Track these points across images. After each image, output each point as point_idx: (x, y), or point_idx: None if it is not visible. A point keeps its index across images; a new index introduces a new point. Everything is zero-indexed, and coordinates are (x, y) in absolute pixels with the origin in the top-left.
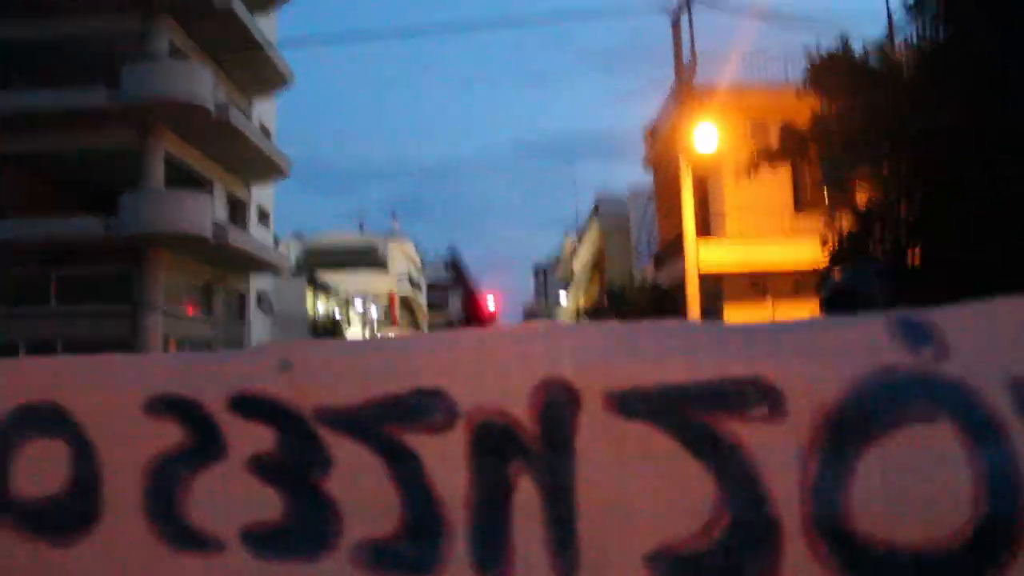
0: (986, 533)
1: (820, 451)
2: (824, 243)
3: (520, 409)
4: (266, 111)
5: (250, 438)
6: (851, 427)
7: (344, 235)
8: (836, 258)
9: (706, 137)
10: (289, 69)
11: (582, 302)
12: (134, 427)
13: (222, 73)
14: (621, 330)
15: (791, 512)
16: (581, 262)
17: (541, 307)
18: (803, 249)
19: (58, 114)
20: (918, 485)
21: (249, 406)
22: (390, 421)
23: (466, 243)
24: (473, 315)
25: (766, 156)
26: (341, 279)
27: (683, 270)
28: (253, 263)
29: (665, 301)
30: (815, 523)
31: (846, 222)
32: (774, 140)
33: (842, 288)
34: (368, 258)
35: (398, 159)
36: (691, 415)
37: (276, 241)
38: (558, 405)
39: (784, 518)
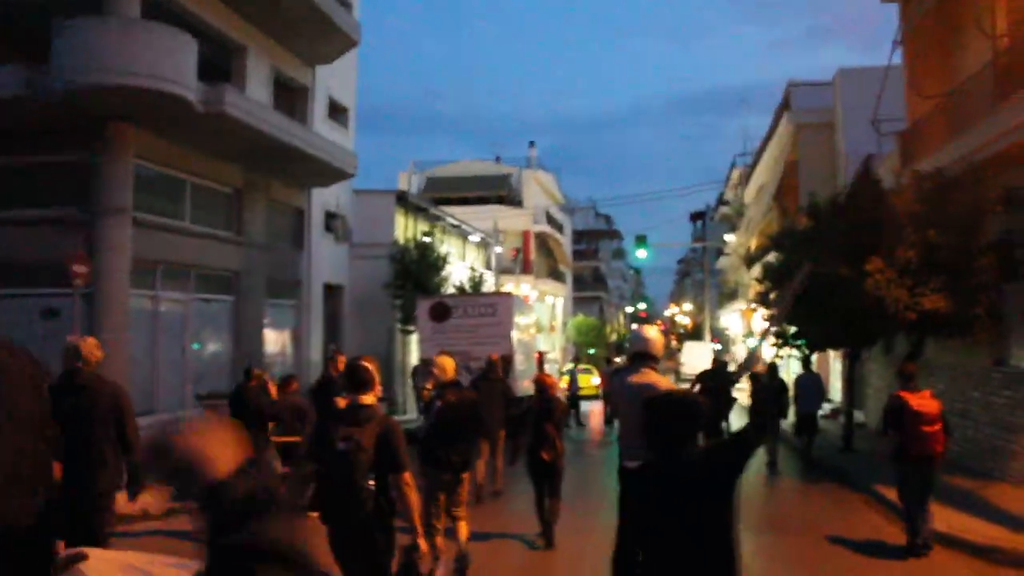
0: None
1: None
2: None
3: None
4: None
5: None
6: None
7: (471, 164)
8: None
9: None
10: None
11: (755, 243)
12: None
13: None
14: None
15: None
16: (757, 186)
17: (698, 257)
18: None
19: None
20: None
21: None
22: None
23: (617, 198)
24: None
25: None
26: (464, 212)
27: (974, 149)
28: (311, 167)
29: (953, 197)
30: None
31: None
32: None
33: None
34: (499, 190)
35: (546, 113)
36: None
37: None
38: None
39: None
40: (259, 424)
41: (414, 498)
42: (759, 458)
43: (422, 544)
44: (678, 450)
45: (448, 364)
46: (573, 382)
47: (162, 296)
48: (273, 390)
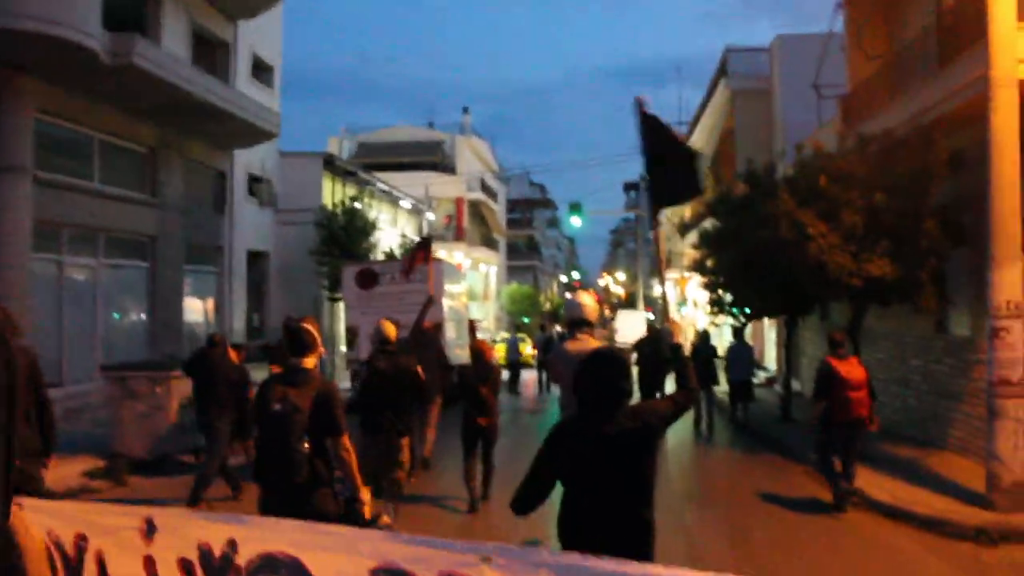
0: None
1: None
2: None
3: None
4: None
5: None
6: None
7: (404, 129)
8: None
9: None
10: None
11: (689, 211)
12: None
13: None
14: None
15: None
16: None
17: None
18: None
19: None
20: None
21: None
22: None
23: (553, 167)
24: None
25: None
26: (396, 179)
27: (919, 111)
28: (232, 126)
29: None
30: None
31: None
32: None
33: None
34: (432, 156)
35: (481, 82)
36: None
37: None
38: None
39: None
40: (225, 389)
41: (352, 459)
42: (690, 425)
43: (364, 495)
44: (608, 404)
45: (390, 329)
46: (514, 350)
47: (68, 261)
48: (233, 355)
